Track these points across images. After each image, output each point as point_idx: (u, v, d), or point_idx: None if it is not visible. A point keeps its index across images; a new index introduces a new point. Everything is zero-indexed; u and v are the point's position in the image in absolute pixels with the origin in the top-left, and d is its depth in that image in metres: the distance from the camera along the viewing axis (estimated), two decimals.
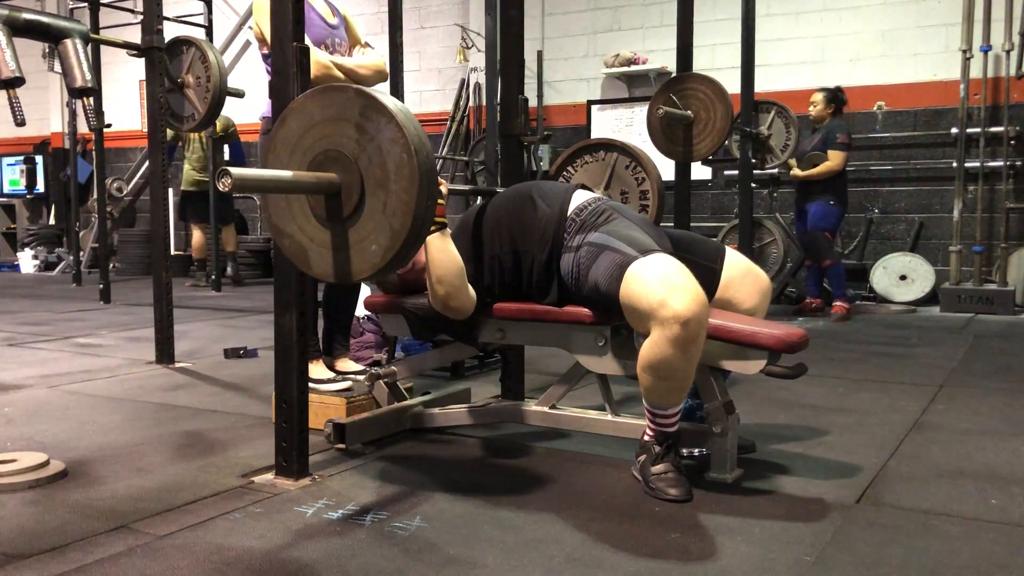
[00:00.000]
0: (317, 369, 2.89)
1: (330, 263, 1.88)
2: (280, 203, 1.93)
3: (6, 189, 11.29)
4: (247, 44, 9.60)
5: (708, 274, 2.31)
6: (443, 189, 2.31)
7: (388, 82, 3.69)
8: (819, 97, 5.87)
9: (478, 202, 3.17)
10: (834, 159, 5.69)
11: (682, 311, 1.96)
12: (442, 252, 2.28)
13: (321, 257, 1.89)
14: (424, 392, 2.97)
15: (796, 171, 5.83)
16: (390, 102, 1.78)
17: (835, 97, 5.86)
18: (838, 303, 5.72)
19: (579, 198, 2.39)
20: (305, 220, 1.90)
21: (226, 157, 7.73)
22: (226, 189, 1.66)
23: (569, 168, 3.24)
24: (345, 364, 3.05)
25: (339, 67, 2.91)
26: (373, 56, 3.14)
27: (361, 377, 2.77)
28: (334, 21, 3.08)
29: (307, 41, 2.66)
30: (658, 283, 2.02)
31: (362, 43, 3.18)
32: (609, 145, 3.18)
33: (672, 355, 2.00)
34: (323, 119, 1.84)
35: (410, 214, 1.76)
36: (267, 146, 1.93)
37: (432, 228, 2.24)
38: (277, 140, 1.90)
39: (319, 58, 2.80)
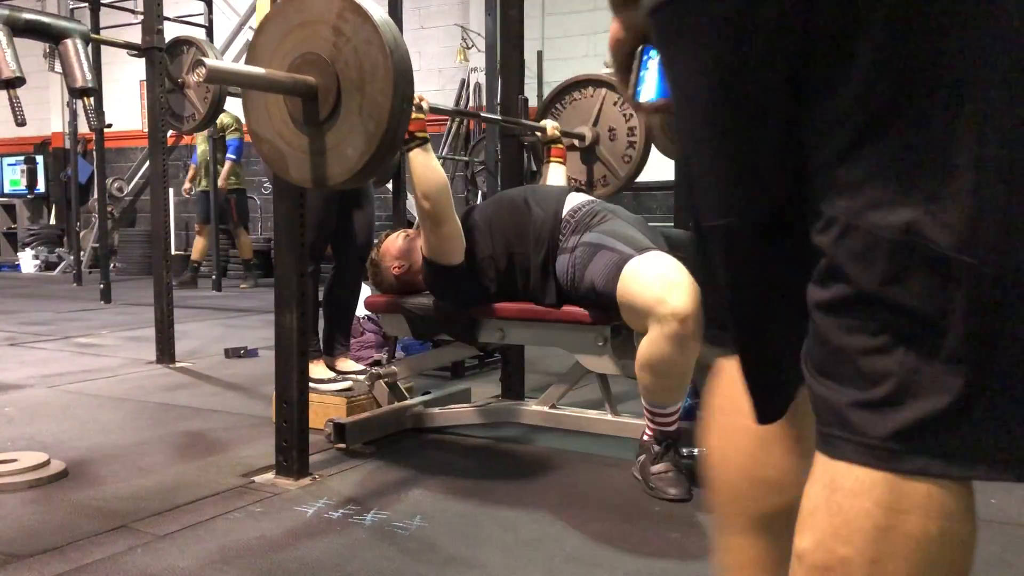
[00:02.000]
0: (317, 369, 2.89)
1: (308, 168, 1.88)
2: (259, 108, 1.93)
3: (7, 189, 11.31)
4: (247, 44, 9.59)
5: None
6: (424, 104, 2.31)
7: None
8: None
9: (479, 200, 3.16)
10: None
11: (680, 308, 1.96)
12: (424, 167, 2.28)
13: (299, 162, 1.89)
14: (424, 392, 2.97)
15: None
16: (367, 3, 1.78)
17: None
18: None
19: (573, 200, 2.40)
20: (284, 125, 1.90)
21: (229, 154, 7.70)
22: (200, 79, 1.65)
23: (557, 106, 3.24)
24: (345, 364, 3.05)
25: None
26: None
27: (361, 377, 2.78)
28: None
29: None
30: (655, 280, 2.03)
31: None
32: (597, 82, 3.19)
33: (670, 352, 2.00)
34: (301, 22, 1.84)
35: (385, 116, 1.75)
36: (247, 53, 1.93)
37: (413, 143, 2.26)
38: (257, 47, 1.91)
39: None
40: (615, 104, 3.12)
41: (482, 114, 3.05)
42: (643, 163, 3.17)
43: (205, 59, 1.66)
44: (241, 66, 1.85)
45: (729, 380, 0.89)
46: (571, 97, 3.21)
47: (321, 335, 3.10)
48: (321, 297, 3.12)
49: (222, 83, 1.79)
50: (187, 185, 7.96)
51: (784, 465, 0.88)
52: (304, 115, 1.85)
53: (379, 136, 1.77)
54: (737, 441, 0.90)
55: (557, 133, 2.96)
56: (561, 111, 3.21)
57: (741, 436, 0.90)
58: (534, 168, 7.47)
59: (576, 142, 3.20)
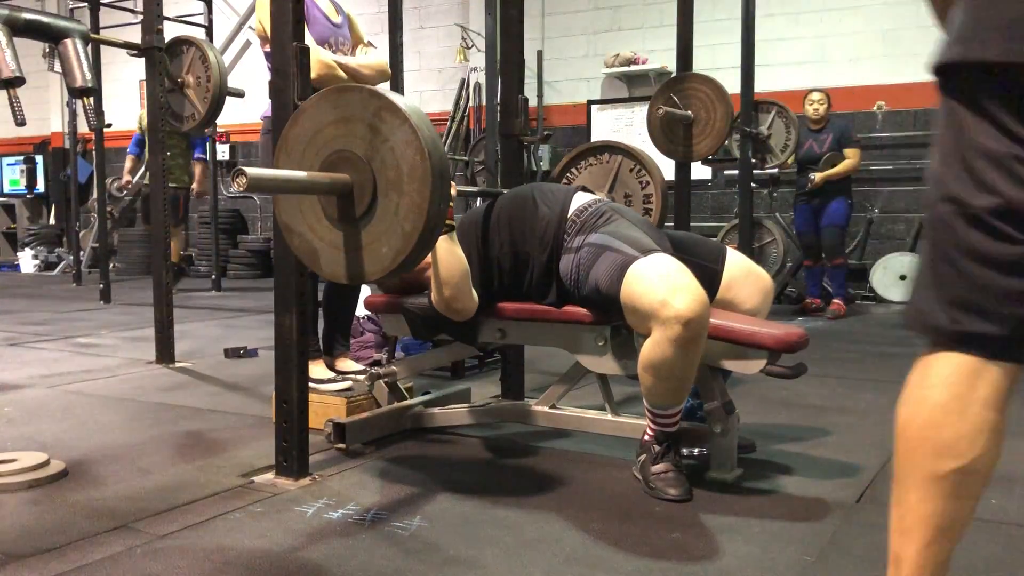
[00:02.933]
0: (317, 369, 2.89)
1: (342, 264, 1.88)
2: (291, 202, 1.93)
3: (6, 189, 11.31)
4: (247, 44, 9.59)
5: (709, 275, 2.31)
6: (453, 191, 2.31)
7: (388, 82, 3.69)
8: (824, 96, 5.87)
9: (478, 204, 3.16)
10: (856, 157, 5.80)
11: (684, 311, 1.96)
12: (449, 254, 2.28)
13: (332, 257, 1.89)
14: (424, 392, 2.97)
15: (820, 175, 5.77)
16: (404, 103, 1.78)
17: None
18: (839, 301, 5.81)
19: (580, 200, 2.40)
20: (316, 220, 1.90)
21: (199, 154, 7.20)
22: (240, 189, 1.66)
23: (573, 170, 3.23)
24: (345, 364, 3.04)
25: (342, 66, 2.91)
26: (376, 56, 3.14)
27: (361, 377, 2.78)
28: (338, 20, 3.08)
29: (310, 39, 2.67)
30: (659, 283, 2.03)
31: (365, 42, 3.18)
32: (613, 147, 3.18)
33: (673, 355, 2.00)
34: (336, 119, 1.84)
35: (423, 217, 1.75)
36: (279, 145, 1.93)
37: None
38: (289, 139, 1.90)
39: (322, 57, 2.80)
40: (631, 171, 3.12)
41: (499, 190, 3.04)
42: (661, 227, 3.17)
43: (246, 168, 1.66)
44: (282, 172, 1.83)
45: (923, 365, 1.15)
46: (587, 162, 3.20)
47: (321, 335, 3.10)
48: (321, 297, 3.11)
49: (262, 191, 1.79)
50: (127, 178, 7.31)
51: (959, 431, 1.08)
52: (338, 212, 1.85)
53: (416, 236, 1.77)
54: (918, 409, 1.14)
55: None
56: (576, 176, 3.21)
57: (920, 404, 1.14)
58: (534, 168, 7.51)
59: None
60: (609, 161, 3.15)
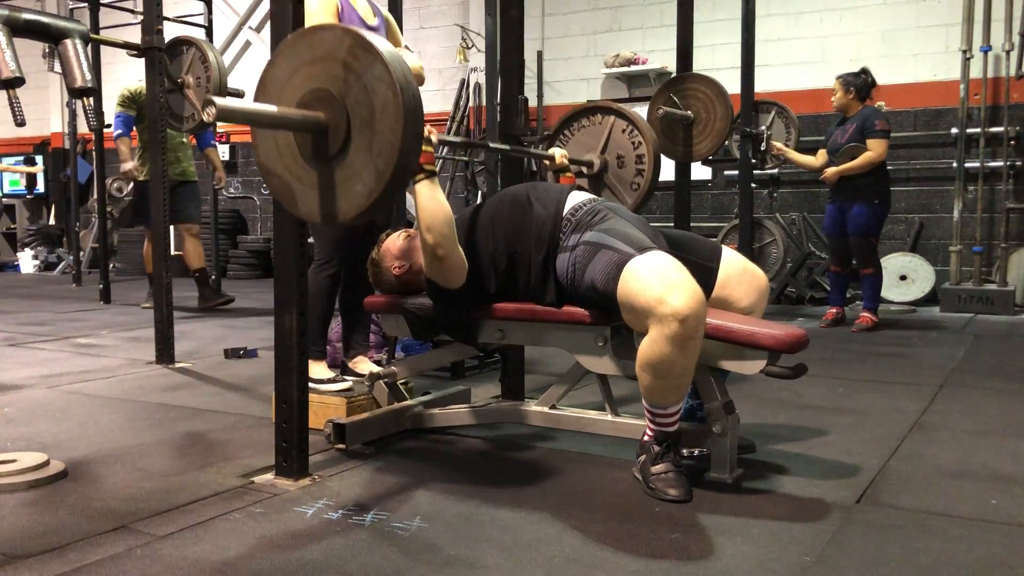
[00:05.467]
0: (317, 369, 2.89)
1: (316, 203, 1.89)
2: (268, 143, 1.95)
3: (6, 189, 11.30)
4: (247, 44, 9.60)
5: (705, 273, 2.31)
6: (433, 137, 2.32)
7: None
8: (836, 83, 5.24)
9: (479, 199, 3.17)
10: (875, 148, 5.04)
11: (680, 308, 1.96)
12: (430, 200, 2.28)
13: (308, 197, 1.90)
14: (424, 392, 2.97)
15: (832, 169, 5.11)
16: (378, 41, 1.79)
17: (855, 81, 5.18)
18: (866, 314, 5.19)
19: (574, 199, 2.40)
20: (293, 160, 1.91)
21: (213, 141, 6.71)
22: (210, 119, 1.67)
23: (566, 132, 3.24)
24: (363, 365, 3.01)
25: None
26: (411, 59, 3.09)
27: (362, 376, 2.77)
28: (374, 22, 3.04)
29: None
30: (656, 280, 2.03)
31: (402, 46, 3.16)
32: (605, 109, 3.19)
33: (671, 353, 2.00)
34: (311, 59, 1.85)
35: (395, 153, 1.76)
36: (258, 87, 1.95)
37: (420, 176, 2.27)
38: (267, 80, 1.92)
39: None
40: (623, 131, 3.12)
41: (491, 144, 3.05)
42: (652, 190, 3.17)
43: (215, 98, 1.67)
44: (252, 104, 1.85)
45: None
46: (579, 124, 3.21)
47: (340, 336, 3.10)
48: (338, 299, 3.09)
49: (233, 121, 1.82)
50: (130, 164, 6.08)
51: None
52: (313, 151, 1.86)
53: (389, 173, 1.78)
54: None
55: (565, 162, 2.93)
56: (570, 138, 3.22)
57: None
58: (534, 168, 7.54)
59: (584, 169, 3.19)
60: (602, 122, 3.17)
